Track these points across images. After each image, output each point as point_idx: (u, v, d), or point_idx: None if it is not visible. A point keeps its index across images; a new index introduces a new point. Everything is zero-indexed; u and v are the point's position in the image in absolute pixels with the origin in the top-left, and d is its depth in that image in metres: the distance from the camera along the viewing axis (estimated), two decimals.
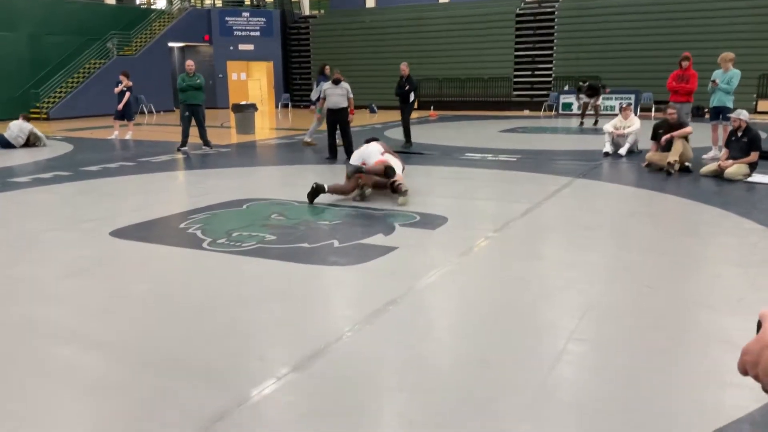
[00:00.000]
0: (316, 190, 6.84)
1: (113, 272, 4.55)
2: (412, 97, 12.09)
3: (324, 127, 11.36)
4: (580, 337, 3.31)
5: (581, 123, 16.66)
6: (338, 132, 10.66)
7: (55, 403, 2.72)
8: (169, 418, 2.56)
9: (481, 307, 3.82)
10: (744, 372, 1.01)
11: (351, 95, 10.74)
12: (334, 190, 7.02)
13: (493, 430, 2.46)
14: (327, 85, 10.87)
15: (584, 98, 16.79)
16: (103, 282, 4.33)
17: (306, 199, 6.84)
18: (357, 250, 4.93)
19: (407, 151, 10.89)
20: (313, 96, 12.40)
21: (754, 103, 18.56)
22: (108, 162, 10.32)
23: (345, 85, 10.65)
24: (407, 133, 12.14)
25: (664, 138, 8.88)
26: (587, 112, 17.16)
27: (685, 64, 10.21)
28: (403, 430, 2.50)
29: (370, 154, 7.30)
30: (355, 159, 7.37)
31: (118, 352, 3.20)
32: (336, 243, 5.13)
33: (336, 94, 10.78)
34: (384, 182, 7.16)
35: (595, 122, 16.39)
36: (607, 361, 3.08)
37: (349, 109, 10.90)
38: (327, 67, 12.46)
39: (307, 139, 12.49)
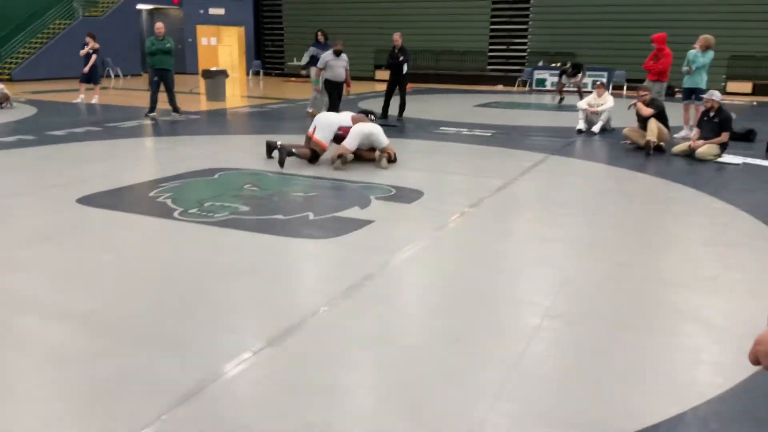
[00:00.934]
0: (275, 149, 7.22)
1: (80, 240, 4.41)
2: (405, 68, 11.94)
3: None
4: (554, 313, 3.31)
5: (561, 100, 16.38)
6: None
7: (15, 375, 2.63)
8: (139, 393, 2.48)
9: (457, 283, 3.80)
10: (755, 362, 0.98)
11: (348, 67, 10.67)
12: (292, 152, 7.26)
13: (470, 405, 2.45)
14: (329, 56, 10.68)
15: (566, 79, 16.48)
16: (69, 250, 4.19)
17: (279, 169, 6.75)
18: (333, 223, 4.86)
19: (387, 124, 10.78)
20: (304, 60, 12.15)
21: (723, 84, 18.78)
22: (74, 126, 10.01)
23: (345, 56, 10.51)
24: (386, 107, 12.00)
25: (630, 105, 9.05)
26: (567, 89, 16.93)
27: (653, 46, 10.29)
28: (379, 405, 2.47)
29: (342, 121, 7.32)
30: (330, 127, 7.29)
31: (85, 324, 3.09)
32: (311, 215, 5.05)
33: (339, 66, 10.62)
34: (364, 152, 7.24)
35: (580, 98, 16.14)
36: (581, 337, 3.08)
37: (346, 82, 10.83)
38: (321, 34, 12.19)
39: (310, 109, 12.20)
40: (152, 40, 11.42)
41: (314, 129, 7.33)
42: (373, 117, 7.89)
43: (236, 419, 2.33)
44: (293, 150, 7.24)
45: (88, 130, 9.77)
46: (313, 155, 7.24)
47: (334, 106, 10.71)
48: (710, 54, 9.84)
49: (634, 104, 8.99)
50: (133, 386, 2.54)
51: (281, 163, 6.95)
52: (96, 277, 3.72)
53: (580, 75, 16.13)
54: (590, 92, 12.11)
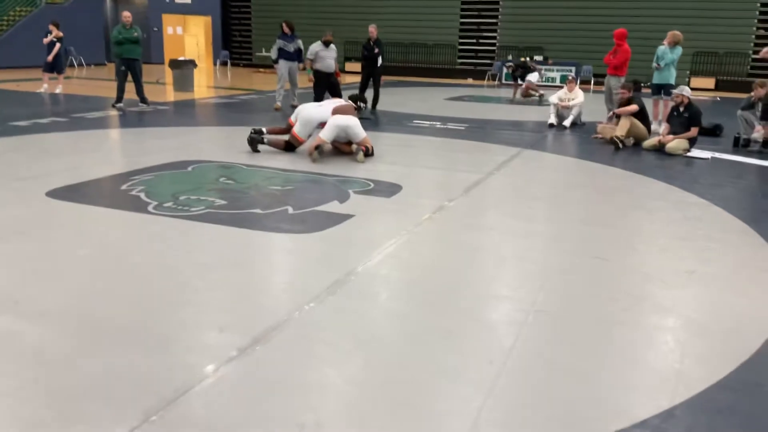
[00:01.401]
0: (255, 140, 7.27)
1: (52, 235, 4.28)
2: (380, 61, 11.92)
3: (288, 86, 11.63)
4: (539, 308, 3.32)
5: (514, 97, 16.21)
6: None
7: None
8: (123, 395, 2.41)
9: (441, 278, 3.79)
10: None
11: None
12: (270, 142, 7.36)
13: (460, 402, 2.44)
14: (318, 47, 10.59)
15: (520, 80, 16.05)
16: (40, 246, 4.06)
17: (254, 163, 6.66)
18: (312, 217, 4.80)
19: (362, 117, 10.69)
20: (273, 54, 11.94)
21: (687, 79, 19.14)
22: (39, 117, 9.73)
23: (334, 47, 10.44)
24: (363, 96, 11.89)
25: (612, 112, 9.13)
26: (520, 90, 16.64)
27: (614, 41, 10.40)
28: (368, 404, 2.44)
29: (322, 116, 7.30)
30: (310, 123, 7.31)
31: (60, 323, 2.99)
32: (290, 209, 4.98)
33: (329, 57, 10.55)
34: (341, 145, 7.29)
35: (540, 96, 15.47)
36: (566, 332, 3.09)
37: (335, 72, 10.81)
38: (286, 26, 11.95)
39: (278, 103, 11.94)
40: (119, 28, 11.16)
41: (296, 119, 7.36)
42: (363, 106, 7.94)
43: (226, 421, 2.28)
44: (265, 138, 7.26)
45: (54, 120, 9.51)
46: (288, 146, 7.28)
47: (318, 97, 10.64)
48: (678, 50, 10.03)
49: (612, 115, 9.07)
50: (116, 387, 2.46)
51: (254, 148, 6.95)
52: (72, 274, 3.61)
53: (529, 77, 15.54)
54: (554, 86, 12.19)
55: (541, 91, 15.50)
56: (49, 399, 2.40)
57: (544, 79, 17.50)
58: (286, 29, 11.78)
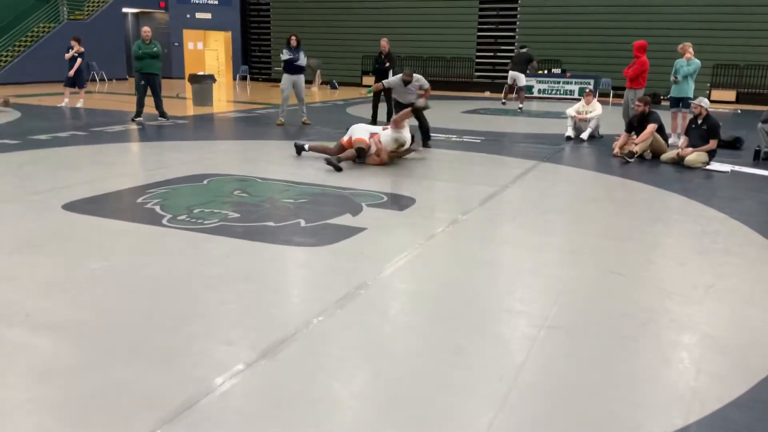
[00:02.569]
0: (302, 149, 7.87)
1: (66, 248, 4.31)
2: (391, 74, 11.89)
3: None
4: (552, 324, 3.28)
5: (504, 103, 16.66)
6: None
7: (1, 388, 2.53)
8: (130, 408, 2.40)
9: (453, 292, 3.75)
10: None
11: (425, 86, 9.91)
12: (314, 148, 7.93)
13: (470, 419, 2.40)
14: (396, 82, 9.78)
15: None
16: (55, 258, 4.09)
17: (269, 176, 6.70)
18: (324, 231, 4.79)
19: None
20: (283, 56, 11.68)
21: (708, 92, 18.95)
22: (58, 131, 9.87)
23: (416, 82, 9.70)
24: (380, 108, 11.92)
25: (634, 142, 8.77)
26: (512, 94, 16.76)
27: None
28: (376, 419, 2.41)
29: (372, 129, 7.93)
30: (367, 130, 7.89)
31: (72, 335, 3.01)
32: (302, 222, 4.98)
33: (408, 93, 9.84)
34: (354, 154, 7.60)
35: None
36: (580, 348, 3.04)
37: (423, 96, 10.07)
38: (294, 39, 11.75)
39: (282, 119, 11.73)
40: (139, 44, 11.31)
41: (349, 137, 7.72)
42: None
43: None
44: (340, 156, 7.47)
45: (73, 134, 9.63)
46: (359, 152, 7.52)
47: (390, 113, 10.95)
48: (695, 63, 9.90)
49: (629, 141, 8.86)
50: (124, 400, 2.46)
51: (339, 169, 7.15)
52: (84, 286, 3.63)
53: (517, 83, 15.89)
54: (573, 99, 12.13)
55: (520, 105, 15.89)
56: (58, 412, 2.40)
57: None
58: (293, 42, 11.45)
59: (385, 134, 7.73)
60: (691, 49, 9.99)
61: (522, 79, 16.00)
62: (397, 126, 7.74)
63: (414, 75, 9.59)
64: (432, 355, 2.95)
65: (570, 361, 2.92)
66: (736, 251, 4.68)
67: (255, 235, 4.63)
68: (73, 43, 13.59)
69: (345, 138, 7.79)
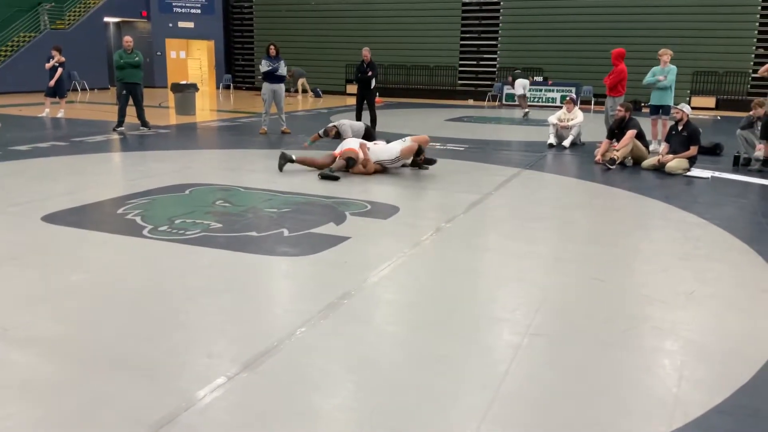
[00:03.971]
0: (287, 161, 7.59)
1: (45, 260, 4.25)
2: (373, 83, 11.96)
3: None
4: (535, 331, 3.28)
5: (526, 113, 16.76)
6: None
7: None
8: (110, 423, 2.37)
9: (436, 301, 3.74)
10: None
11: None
12: (302, 161, 7.75)
13: (454, 428, 2.38)
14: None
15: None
16: (34, 271, 4.04)
17: (252, 185, 6.66)
18: (308, 240, 4.77)
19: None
20: (262, 68, 11.68)
21: (688, 99, 19.17)
22: (39, 141, 9.76)
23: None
24: (363, 116, 11.96)
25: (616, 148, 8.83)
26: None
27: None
28: (361, 430, 2.39)
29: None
30: (355, 142, 7.87)
31: (52, 349, 2.96)
32: (286, 232, 4.96)
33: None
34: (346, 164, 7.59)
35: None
36: (563, 355, 3.04)
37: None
38: (273, 48, 11.75)
39: (264, 127, 11.80)
40: (120, 53, 11.25)
41: (341, 149, 7.70)
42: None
43: None
44: (332, 167, 7.45)
45: (54, 144, 9.54)
46: (349, 162, 7.49)
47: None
48: (670, 68, 9.98)
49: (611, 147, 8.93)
50: (105, 414, 2.42)
51: (336, 178, 7.15)
52: (64, 299, 3.57)
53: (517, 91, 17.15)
54: (554, 107, 12.25)
55: (526, 109, 16.87)
56: (38, 427, 2.35)
57: (528, 90, 18.41)
58: (272, 51, 11.46)
59: (375, 148, 7.78)
60: (666, 57, 10.06)
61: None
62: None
63: (336, 124, 9.50)
64: (415, 364, 2.93)
65: (553, 369, 2.92)
66: (718, 257, 4.72)
67: (237, 246, 4.59)
68: (53, 52, 13.48)
69: (337, 151, 7.77)
